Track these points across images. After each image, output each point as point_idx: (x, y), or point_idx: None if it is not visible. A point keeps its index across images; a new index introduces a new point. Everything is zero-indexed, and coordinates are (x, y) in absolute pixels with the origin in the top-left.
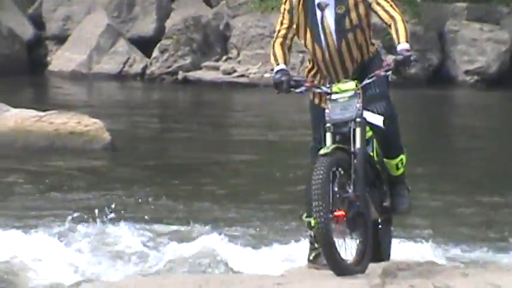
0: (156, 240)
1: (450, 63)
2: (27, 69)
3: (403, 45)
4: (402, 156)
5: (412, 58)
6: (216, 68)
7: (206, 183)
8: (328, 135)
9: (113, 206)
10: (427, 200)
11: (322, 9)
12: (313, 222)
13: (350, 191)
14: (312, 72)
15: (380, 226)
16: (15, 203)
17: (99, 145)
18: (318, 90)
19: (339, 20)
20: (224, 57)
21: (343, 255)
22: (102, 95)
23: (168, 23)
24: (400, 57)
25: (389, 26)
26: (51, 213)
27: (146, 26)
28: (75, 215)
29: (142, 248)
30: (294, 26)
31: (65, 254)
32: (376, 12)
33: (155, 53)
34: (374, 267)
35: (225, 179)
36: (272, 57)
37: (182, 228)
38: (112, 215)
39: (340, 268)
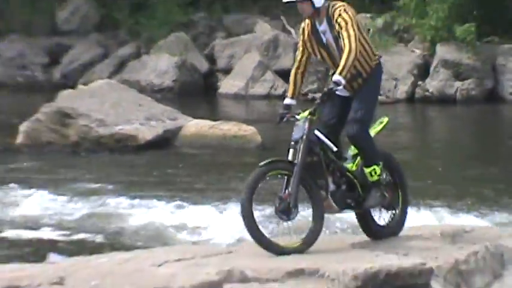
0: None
1: (500, 88)
2: (203, 92)
3: (335, 77)
4: (375, 167)
5: (333, 89)
6: None
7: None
8: (290, 150)
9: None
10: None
11: (324, 34)
12: None
13: (285, 190)
14: (330, 72)
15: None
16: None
17: (253, 145)
18: (292, 119)
19: (335, 39)
20: None
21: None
22: (255, 110)
23: None
24: (329, 87)
25: (343, 52)
26: (217, 191)
27: (286, 61)
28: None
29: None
30: (310, 50)
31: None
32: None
33: None
34: (445, 230)
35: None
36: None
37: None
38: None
39: (264, 245)
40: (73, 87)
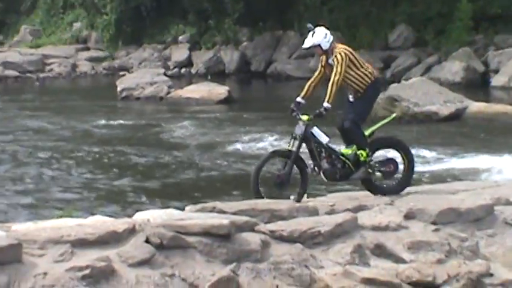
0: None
1: None
2: (480, 85)
3: (324, 104)
4: (362, 151)
5: (323, 113)
6: None
7: None
8: (291, 141)
9: None
10: None
11: (332, 65)
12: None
13: (282, 170)
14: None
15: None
16: None
17: None
18: (297, 117)
19: (332, 68)
20: None
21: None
22: None
23: None
24: (320, 111)
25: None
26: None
27: None
28: None
29: None
30: (326, 72)
31: None
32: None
33: None
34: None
35: None
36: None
37: None
38: None
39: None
40: (399, 82)
